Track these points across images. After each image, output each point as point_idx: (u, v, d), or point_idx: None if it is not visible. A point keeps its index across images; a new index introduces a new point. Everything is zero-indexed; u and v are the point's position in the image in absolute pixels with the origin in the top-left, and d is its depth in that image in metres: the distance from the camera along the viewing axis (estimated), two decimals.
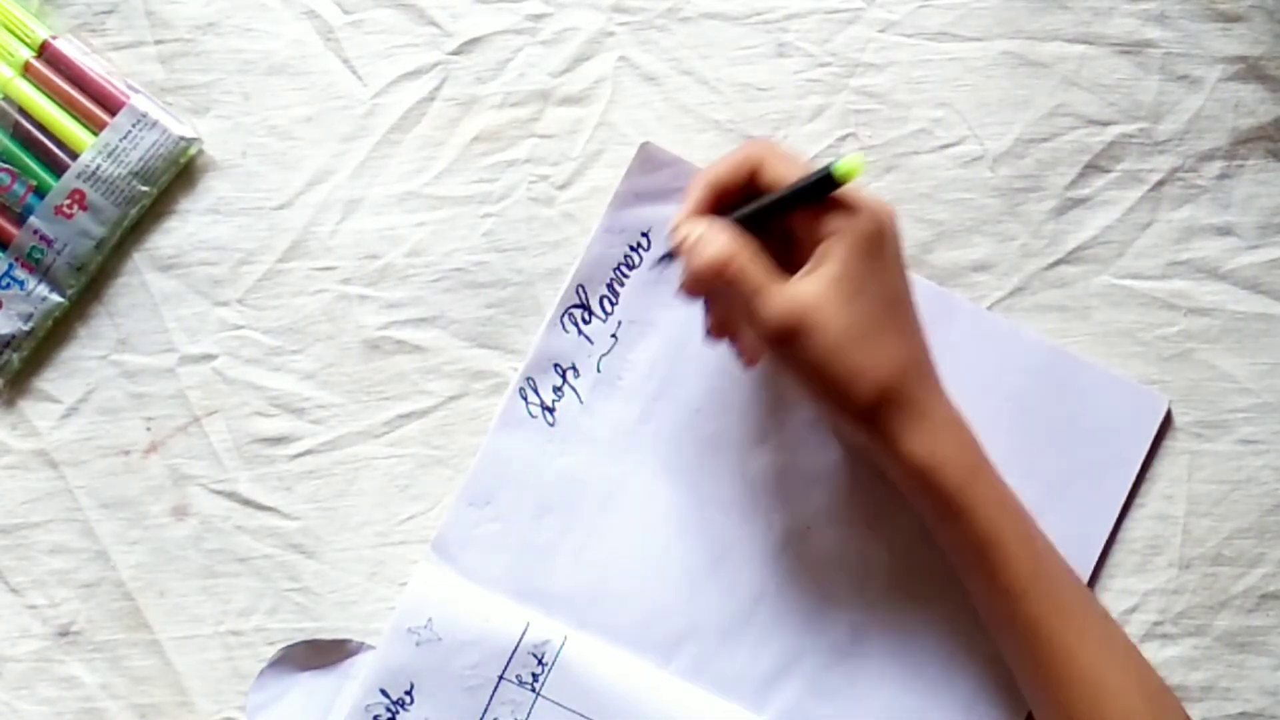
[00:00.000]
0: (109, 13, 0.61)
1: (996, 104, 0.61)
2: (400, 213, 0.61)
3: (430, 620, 0.58)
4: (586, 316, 0.60)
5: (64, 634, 0.60)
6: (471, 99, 0.61)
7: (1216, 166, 0.61)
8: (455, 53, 0.61)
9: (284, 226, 0.61)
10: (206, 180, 0.61)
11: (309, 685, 0.59)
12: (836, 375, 0.52)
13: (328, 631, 0.59)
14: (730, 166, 0.54)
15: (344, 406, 0.60)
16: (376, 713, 0.58)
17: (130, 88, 0.60)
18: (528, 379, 0.60)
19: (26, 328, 0.60)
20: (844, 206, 0.52)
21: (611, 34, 0.61)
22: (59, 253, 0.59)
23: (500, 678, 0.58)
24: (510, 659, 0.58)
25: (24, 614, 0.60)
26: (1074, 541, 0.58)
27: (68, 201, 0.59)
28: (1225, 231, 0.61)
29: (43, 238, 0.59)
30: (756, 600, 0.59)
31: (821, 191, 0.52)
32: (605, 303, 0.60)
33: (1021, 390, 0.59)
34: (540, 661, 0.58)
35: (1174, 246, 0.61)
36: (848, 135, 0.61)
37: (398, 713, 0.58)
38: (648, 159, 0.60)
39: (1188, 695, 0.59)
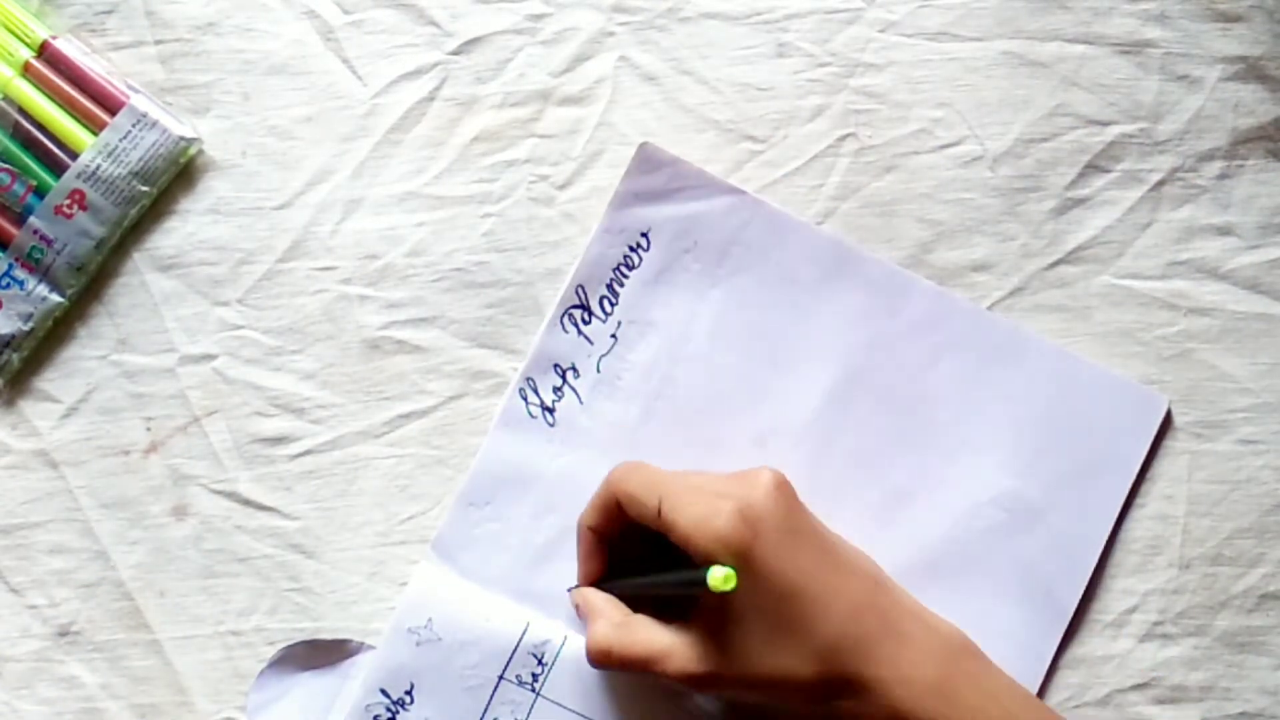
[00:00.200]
0: (109, 13, 0.61)
1: (996, 104, 0.61)
2: (400, 213, 0.61)
3: (430, 620, 0.58)
4: (586, 317, 0.60)
5: (64, 634, 0.60)
6: (471, 99, 0.61)
7: (1216, 166, 0.61)
8: (455, 53, 0.61)
9: (284, 226, 0.61)
10: (206, 180, 0.61)
11: (309, 685, 0.59)
12: (767, 694, 0.52)
13: (328, 631, 0.59)
14: (596, 510, 0.56)
15: (344, 406, 0.60)
16: (376, 713, 0.58)
17: (130, 88, 0.60)
18: (528, 379, 0.60)
19: (26, 328, 0.60)
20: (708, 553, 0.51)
21: (611, 34, 0.61)
22: (59, 253, 0.59)
23: (500, 678, 0.58)
24: (510, 659, 0.58)
25: (24, 614, 0.60)
26: (1074, 541, 0.58)
27: (68, 201, 0.59)
28: (1225, 231, 0.61)
29: (43, 238, 0.59)
30: None
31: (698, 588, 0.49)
32: (605, 303, 0.60)
33: (1021, 390, 0.59)
34: (540, 661, 0.58)
35: (1174, 246, 0.61)
36: (847, 135, 0.61)
37: (398, 713, 0.58)
38: (647, 159, 0.60)
39: (1188, 695, 0.59)
